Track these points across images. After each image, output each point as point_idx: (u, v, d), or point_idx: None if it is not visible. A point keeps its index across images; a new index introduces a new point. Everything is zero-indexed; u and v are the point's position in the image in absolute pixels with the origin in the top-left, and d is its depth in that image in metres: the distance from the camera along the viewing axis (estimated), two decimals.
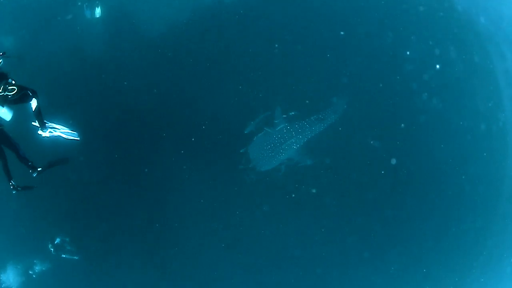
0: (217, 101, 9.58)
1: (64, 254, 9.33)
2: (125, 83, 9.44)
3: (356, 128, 9.53)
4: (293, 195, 9.54)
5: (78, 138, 6.37)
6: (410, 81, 9.53)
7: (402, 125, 9.52)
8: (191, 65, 9.68)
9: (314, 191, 9.51)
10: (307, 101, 9.54)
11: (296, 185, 9.53)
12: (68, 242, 9.36)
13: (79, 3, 9.42)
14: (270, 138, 9.22)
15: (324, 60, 9.68)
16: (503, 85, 9.28)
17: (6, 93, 5.28)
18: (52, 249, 9.29)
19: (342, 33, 9.58)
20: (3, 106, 5.49)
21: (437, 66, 9.45)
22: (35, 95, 5.52)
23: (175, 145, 9.60)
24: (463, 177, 9.46)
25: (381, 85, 9.50)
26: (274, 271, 9.77)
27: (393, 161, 9.29)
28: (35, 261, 9.43)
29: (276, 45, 9.72)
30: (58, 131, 6.15)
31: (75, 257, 9.37)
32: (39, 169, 6.10)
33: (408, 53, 9.54)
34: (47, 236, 9.27)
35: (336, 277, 9.66)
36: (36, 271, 9.43)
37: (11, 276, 9.43)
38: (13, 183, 5.98)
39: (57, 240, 9.30)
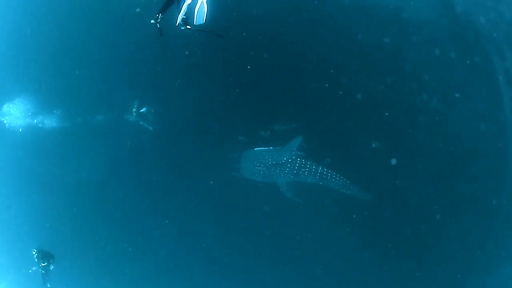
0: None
1: (142, 122, 9.64)
2: None
3: (356, 128, 9.52)
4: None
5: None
6: (410, 81, 9.53)
7: (402, 125, 9.52)
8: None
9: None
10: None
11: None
12: (152, 113, 9.63)
13: None
14: (270, 156, 8.91)
15: (324, 60, 9.69)
16: (503, 85, 9.26)
17: None
18: (135, 114, 9.63)
19: (341, 33, 9.57)
20: None
21: (437, 66, 9.45)
22: None
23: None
24: (463, 177, 9.44)
25: (380, 85, 9.49)
26: (274, 271, 9.77)
27: (393, 161, 9.29)
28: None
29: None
30: None
31: (150, 128, 9.65)
32: (188, 27, 5.87)
33: (409, 53, 9.55)
34: (137, 101, 9.60)
35: (336, 277, 9.65)
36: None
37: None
38: (160, 17, 5.72)
39: (144, 109, 9.60)
